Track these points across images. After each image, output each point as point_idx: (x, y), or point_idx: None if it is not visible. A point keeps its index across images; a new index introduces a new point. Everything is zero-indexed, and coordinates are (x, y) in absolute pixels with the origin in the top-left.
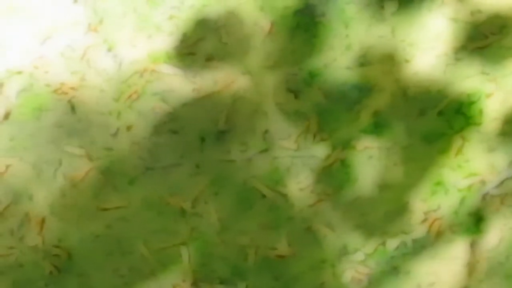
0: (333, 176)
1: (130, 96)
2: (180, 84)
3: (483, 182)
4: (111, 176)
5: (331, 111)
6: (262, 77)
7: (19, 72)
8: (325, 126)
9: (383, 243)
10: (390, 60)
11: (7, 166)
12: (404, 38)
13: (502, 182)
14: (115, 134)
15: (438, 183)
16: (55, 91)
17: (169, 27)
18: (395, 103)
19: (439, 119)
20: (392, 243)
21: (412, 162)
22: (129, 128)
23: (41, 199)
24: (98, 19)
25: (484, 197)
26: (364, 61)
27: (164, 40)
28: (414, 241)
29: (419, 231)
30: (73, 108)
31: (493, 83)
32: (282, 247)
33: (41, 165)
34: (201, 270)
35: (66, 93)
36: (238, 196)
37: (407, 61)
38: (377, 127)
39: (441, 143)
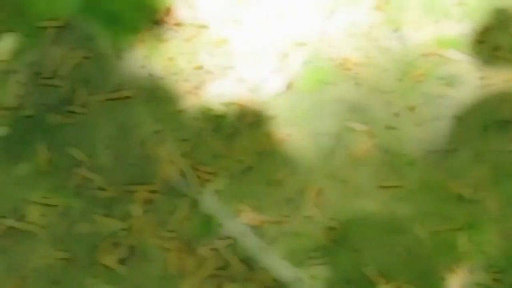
0: None
1: (414, 78)
2: (467, 71)
3: None
4: (390, 155)
5: None
6: None
7: (304, 44)
8: None
9: None
10: None
11: (288, 135)
12: None
13: None
14: (397, 114)
15: None
16: (338, 65)
17: (457, 13)
18: None
19: None
20: None
21: None
22: (411, 109)
23: (319, 171)
24: None
25: None
26: None
27: (451, 26)
28: None
29: None
30: (356, 84)
31: None
32: None
33: (321, 137)
34: (477, 257)
35: (349, 69)
36: None
37: None
38: None
39: None
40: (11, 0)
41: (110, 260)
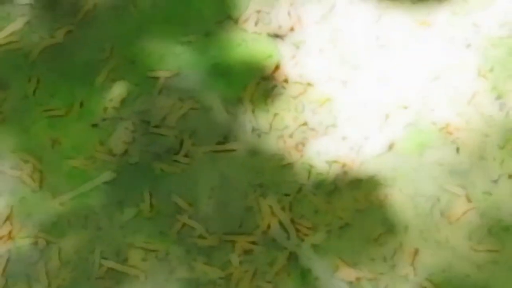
0: None
1: None
2: None
3: None
4: (487, 219)
5: None
6: None
7: (406, 107)
8: None
9: None
10: None
11: (386, 195)
12: None
13: None
14: (496, 181)
15: None
16: (440, 129)
17: None
18: None
19: None
20: None
21: None
22: (510, 176)
23: (416, 231)
24: (489, 66)
25: None
26: None
27: None
28: None
29: None
30: (457, 149)
31: None
32: None
33: (419, 198)
34: None
35: (451, 133)
36: None
37: None
38: None
39: None
40: (124, 50)
41: None
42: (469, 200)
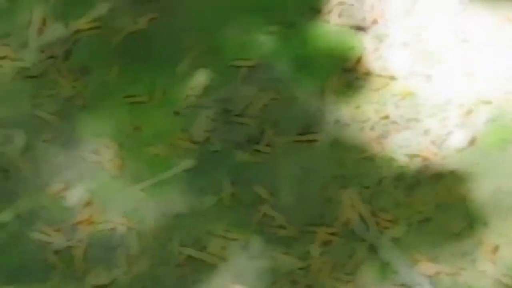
0: None
1: None
2: None
3: None
4: None
5: None
6: None
7: (489, 102)
8: None
9: None
10: None
11: (467, 190)
12: None
13: None
14: None
15: None
16: None
17: None
18: None
19: None
20: None
21: None
22: None
23: (496, 227)
24: None
25: None
26: None
27: None
28: None
29: None
30: None
31: None
32: None
33: (500, 195)
34: None
35: None
36: None
37: None
38: None
39: None
40: (207, 38)
41: None
42: None
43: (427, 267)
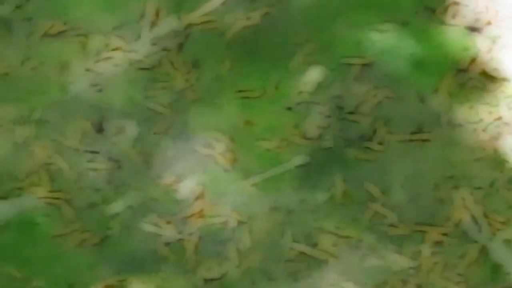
0: None
1: None
2: None
3: None
4: None
5: None
6: None
7: None
8: None
9: None
10: None
11: None
12: None
13: None
14: None
15: None
16: None
17: None
18: None
19: None
20: None
21: None
22: None
23: None
24: None
25: None
26: None
27: None
28: None
29: None
30: None
31: None
32: None
33: None
34: None
35: None
36: None
37: None
38: None
39: None
40: (320, 35)
41: None
42: None
43: None
